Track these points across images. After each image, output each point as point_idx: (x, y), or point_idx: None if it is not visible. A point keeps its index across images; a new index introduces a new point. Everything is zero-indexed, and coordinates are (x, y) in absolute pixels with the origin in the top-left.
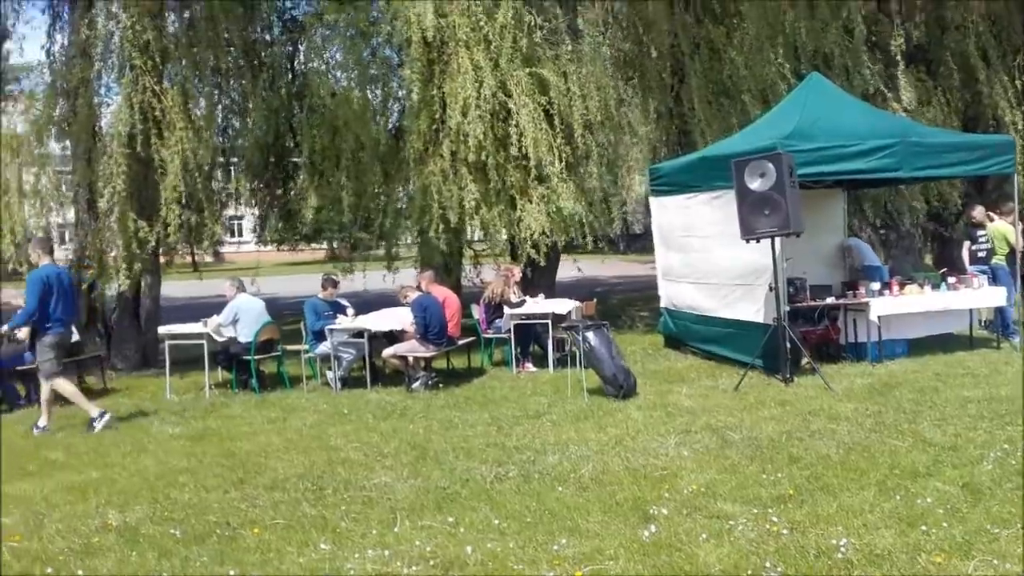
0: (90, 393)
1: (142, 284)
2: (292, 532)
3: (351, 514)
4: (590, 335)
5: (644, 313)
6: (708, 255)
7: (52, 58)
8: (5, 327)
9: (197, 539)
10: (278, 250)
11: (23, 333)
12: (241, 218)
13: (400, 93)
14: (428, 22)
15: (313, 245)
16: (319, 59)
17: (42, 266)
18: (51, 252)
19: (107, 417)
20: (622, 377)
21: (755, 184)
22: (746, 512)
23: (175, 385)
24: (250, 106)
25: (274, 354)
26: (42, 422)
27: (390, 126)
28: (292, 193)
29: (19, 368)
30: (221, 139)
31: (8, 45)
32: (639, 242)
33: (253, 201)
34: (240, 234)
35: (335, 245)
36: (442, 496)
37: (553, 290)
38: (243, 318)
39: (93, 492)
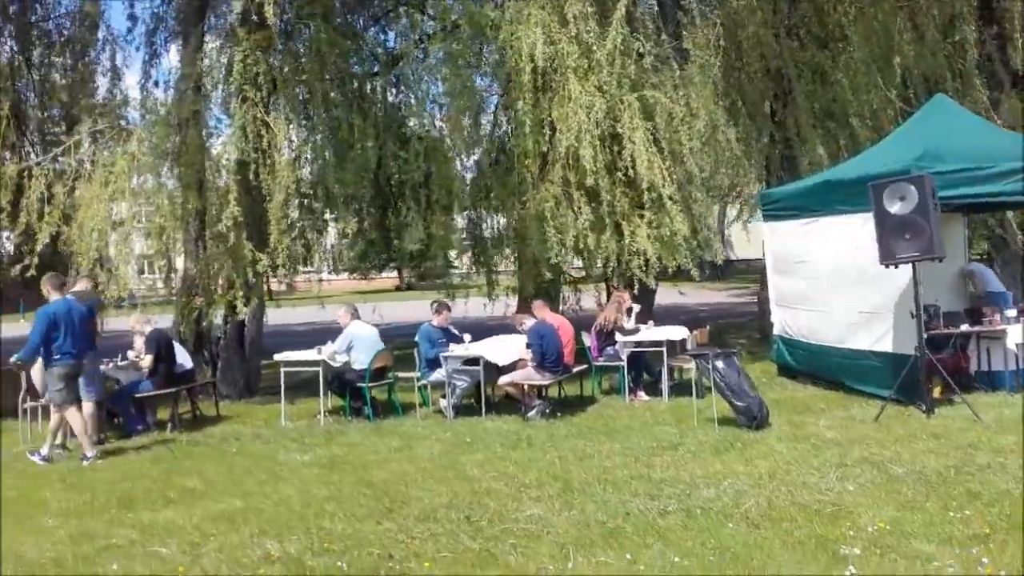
0: (204, 420)
1: (247, 312)
2: (460, 566)
3: (518, 548)
4: (720, 364)
5: (742, 340)
6: (830, 281)
7: (146, 92)
8: (13, 358)
9: (365, 572)
10: (349, 278)
11: (146, 361)
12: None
13: (501, 120)
14: (539, 51)
15: (384, 274)
16: (417, 90)
17: (52, 301)
18: (61, 287)
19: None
20: (756, 408)
21: (895, 207)
22: (947, 552)
23: (288, 411)
24: (354, 136)
25: (387, 381)
26: (44, 450)
27: (493, 154)
28: (389, 222)
29: (137, 395)
30: (315, 169)
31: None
32: (713, 270)
33: (347, 230)
34: (309, 263)
35: (406, 273)
36: (606, 531)
37: (651, 316)
38: (358, 345)
39: (243, 521)
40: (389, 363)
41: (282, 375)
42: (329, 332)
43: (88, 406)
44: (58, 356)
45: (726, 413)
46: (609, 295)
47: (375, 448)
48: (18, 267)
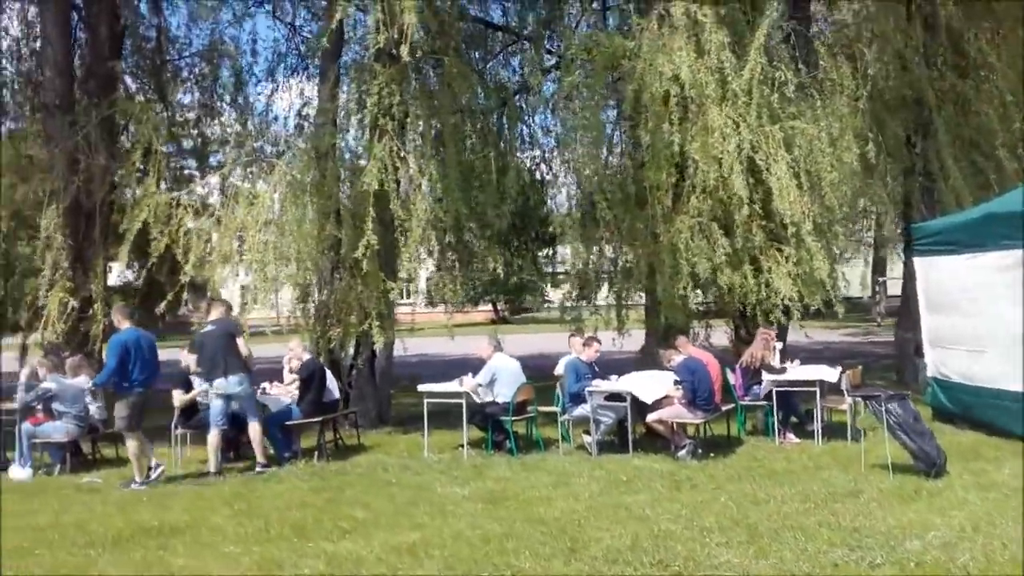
0: (347, 450)
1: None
2: None
3: None
4: (895, 405)
5: (878, 382)
6: (998, 321)
7: (266, 125)
8: (91, 384)
9: None
10: (445, 311)
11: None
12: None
13: (626, 151)
14: (685, 76)
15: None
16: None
17: (123, 330)
18: (131, 317)
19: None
20: (935, 453)
21: None
22: None
23: (428, 443)
24: (483, 169)
25: (528, 415)
26: (138, 478)
27: (629, 186)
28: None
29: (286, 424)
30: (449, 202)
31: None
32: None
33: (457, 262)
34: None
35: (500, 306)
36: None
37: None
38: (500, 378)
39: (425, 555)
40: (531, 397)
41: (425, 407)
42: (436, 364)
43: (254, 426)
44: (128, 384)
45: (897, 458)
46: (738, 332)
47: (529, 483)
48: (163, 301)
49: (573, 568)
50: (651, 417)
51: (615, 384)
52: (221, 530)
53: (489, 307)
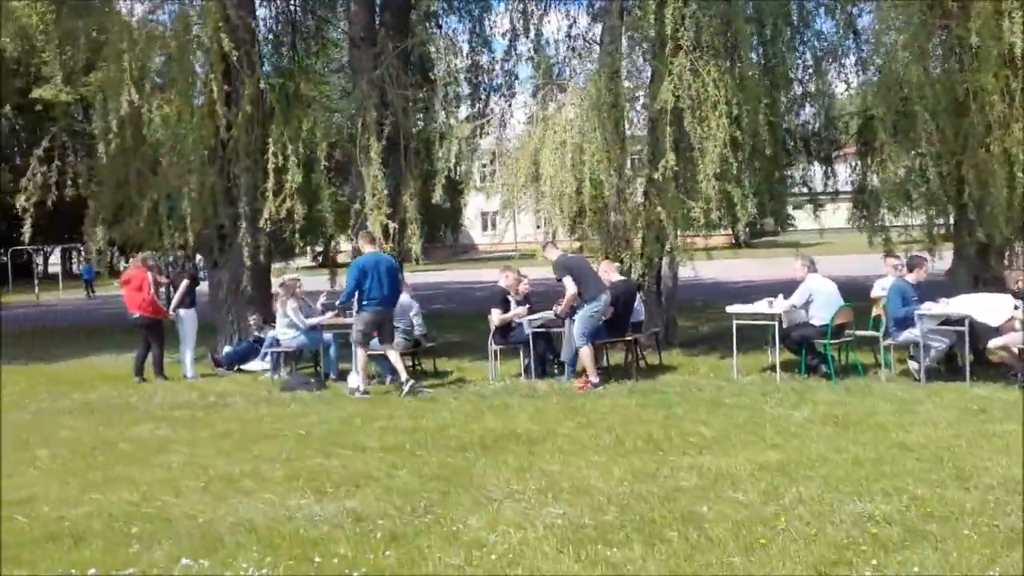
0: (650, 370)
1: (664, 263)
2: None
3: None
4: None
5: None
6: None
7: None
8: (338, 302)
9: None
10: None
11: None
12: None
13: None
14: None
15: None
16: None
17: (365, 254)
18: (373, 242)
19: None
20: None
21: None
22: None
23: (728, 365)
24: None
25: (846, 339)
26: (358, 383)
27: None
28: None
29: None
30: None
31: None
32: None
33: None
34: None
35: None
36: None
37: None
38: (817, 299)
39: (800, 475)
40: (850, 320)
41: (734, 328)
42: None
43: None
44: (366, 302)
45: None
46: None
47: (867, 409)
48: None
49: (973, 496)
50: (996, 343)
51: (949, 307)
52: (577, 440)
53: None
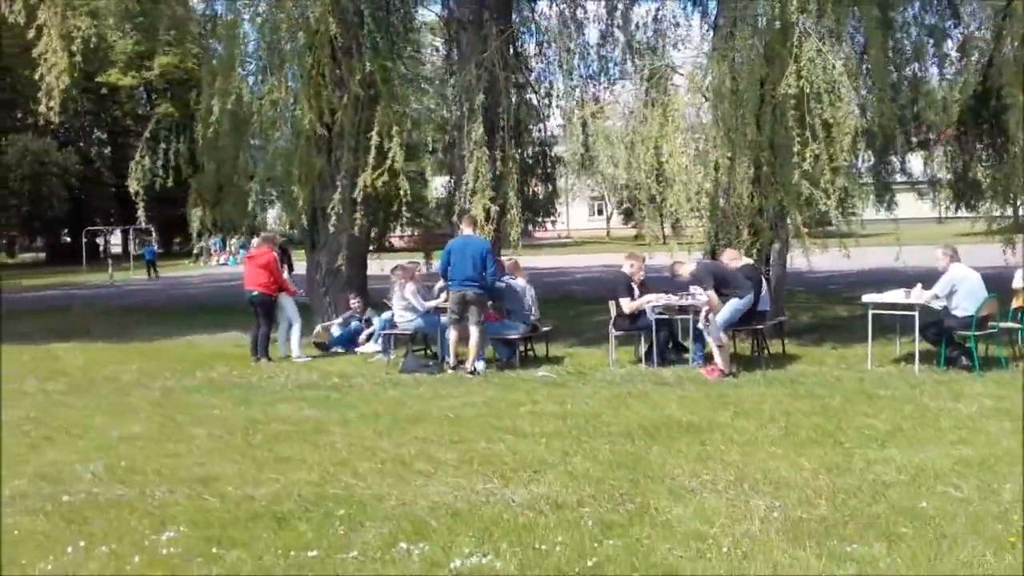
0: (774, 358)
1: (773, 251)
2: None
3: None
4: None
5: None
6: None
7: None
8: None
9: None
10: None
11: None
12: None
13: None
14: None
15: None
16: None
17: (458, 236)
18: (473, 224)
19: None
20: None
21: None
22: None
23: (856, 355)
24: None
25: (990, 330)
26: (476, 365)
27: None
28: None
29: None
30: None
31: None
32: None
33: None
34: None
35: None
36: None
37: None
38: (961, 290)
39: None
40: (995, 311)
41: (870, 317)
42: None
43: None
44: (449, 283)
45: None
46: None
47: None
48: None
49: None
50: None
51: None
52: (743, 430)
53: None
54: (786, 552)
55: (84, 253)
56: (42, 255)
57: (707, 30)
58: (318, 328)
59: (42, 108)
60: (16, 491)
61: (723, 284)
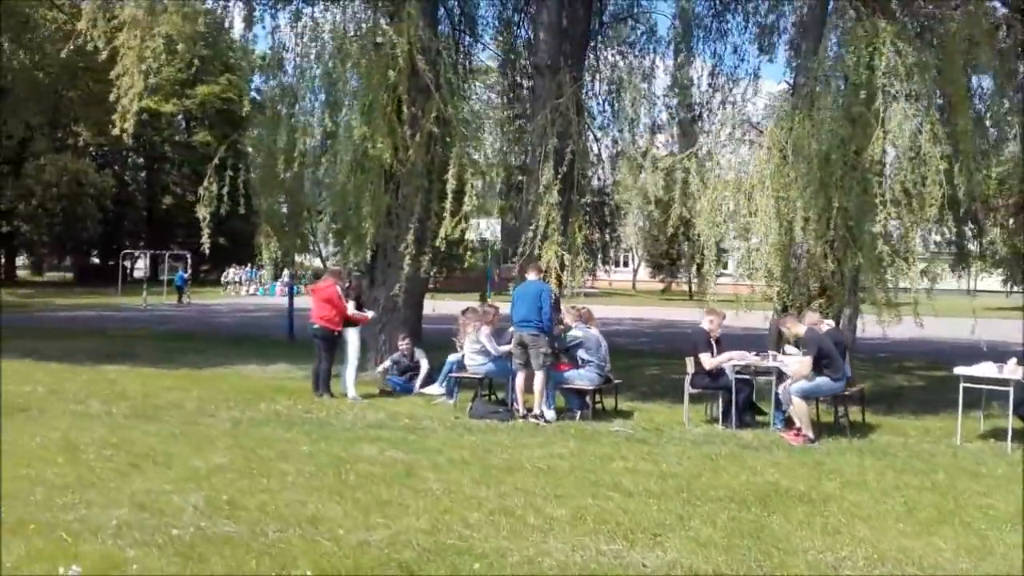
0: (854, 426)
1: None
2: None
3: None
4: None
5: None
6: None
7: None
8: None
9: None
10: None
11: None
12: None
13: None
14: None
15: None
16: None
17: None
18: (538, 271)
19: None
20: None
21: None
22: None
23: (943, 428)
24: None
25: None
26: (545, 412)
27: None
28: None
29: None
30: None
31: None
32: None
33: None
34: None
35: None
36: None
37: None
38: None
39: None
40: None
41: (960, 389)
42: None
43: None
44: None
45: None
46: None
47: None
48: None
49: None
50: None
51: None
52: (857, 503)
53: None
54: None
55: (119, 275)
56: (69, 275)
57: (787, 88)
58: (379, 371)
59: (115, 131)
60: (121, 520)
61: (823, 358)
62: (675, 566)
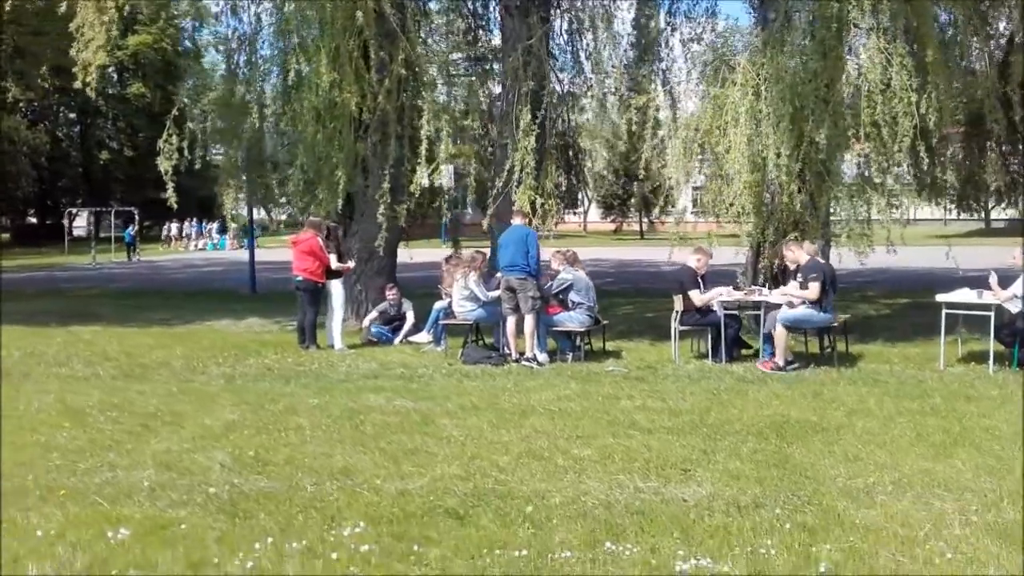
0: (843, 358)
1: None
2: None
3: None
4: None
5: None
6: None
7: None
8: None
9: None
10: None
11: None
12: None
13: None
14: None
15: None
16: None
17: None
18: (523, 217)
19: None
20: None
21: None
22: None
23: (926, 354)
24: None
25: None
26: (538, 355)
27: None
28: None
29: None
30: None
31: None
32: None
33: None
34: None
35: None
36: None
37: None
38: None
39: None
40: None
41: (943, 316)
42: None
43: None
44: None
45: None
46: None
47: None
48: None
49: None
50: None
51: None
52: (868, 430)
53: None
54: (1007, 558)
55: (64, 234)
56: (5, 235)
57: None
58: (365, 323)
59: (78, 84)
60: (152, 482)
61: (824, 290)
62: (715, 498)
